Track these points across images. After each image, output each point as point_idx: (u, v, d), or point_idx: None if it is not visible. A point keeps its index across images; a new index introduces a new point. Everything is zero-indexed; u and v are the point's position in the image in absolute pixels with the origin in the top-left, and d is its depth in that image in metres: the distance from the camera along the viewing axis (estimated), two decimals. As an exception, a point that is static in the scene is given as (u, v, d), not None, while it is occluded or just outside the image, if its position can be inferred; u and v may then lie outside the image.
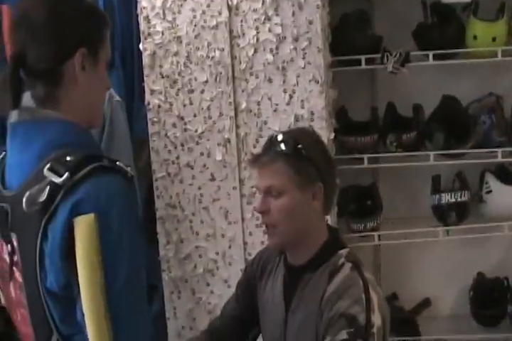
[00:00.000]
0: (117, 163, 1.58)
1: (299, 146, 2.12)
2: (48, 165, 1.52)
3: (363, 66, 4.13)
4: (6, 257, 1.64)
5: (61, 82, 1.62)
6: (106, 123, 3.96)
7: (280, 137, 2.16)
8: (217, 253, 3.87)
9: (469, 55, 4.18)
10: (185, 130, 3.85)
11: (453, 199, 4.21)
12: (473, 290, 4.50)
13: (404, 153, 4.22)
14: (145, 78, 3.89)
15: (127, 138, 4.07)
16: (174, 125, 3.86)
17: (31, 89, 1.65)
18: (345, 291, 2.04)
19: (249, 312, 2.38)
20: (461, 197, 4.21)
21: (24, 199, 1.49)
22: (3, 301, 1.83)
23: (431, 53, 4.06)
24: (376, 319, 1.99)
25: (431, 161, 4.15)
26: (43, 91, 1.63)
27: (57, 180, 1.48)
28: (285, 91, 3.73)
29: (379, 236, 4.27)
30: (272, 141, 2.18)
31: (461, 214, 4.25)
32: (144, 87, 3.92)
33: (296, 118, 3.72)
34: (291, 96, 3.73)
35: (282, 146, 2.13)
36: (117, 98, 4.01)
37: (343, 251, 2.18)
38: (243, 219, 3.81)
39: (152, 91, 3.87)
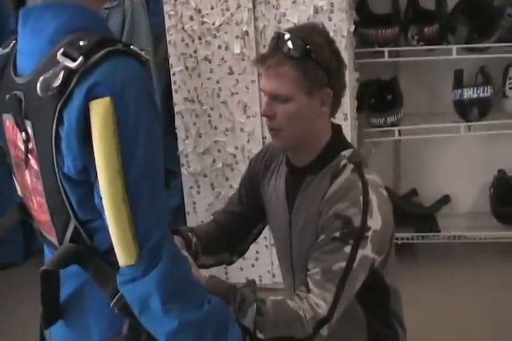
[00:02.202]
0: (131, 46, 1.54)
1: (308, 47, 1.97)
2: (62, 50, 1.47)
3: (385, -44, 4.02)
4: (21, 145, 1.61)
5: None
6: (126, 20, 3.94)
7: (287, 36, 2.00)
8: (236, 148, 3.86)
9: None
10: (203, 23, 3.78)
11: (475, 95, 4.14)
12: (493, 188, 4.49)
13: (426, 46, 4.14)
14: (161, -30, 3.80)
15: (148, 35, 4.04)
16: (191, 18, 3.79)
17: None
18: (345, 194, 1.98)
19: (252, 211, 2.35)
20: (483, 92, 4.14)
21: (38, 85, 1.45)
22: (18, 191, 1.83)
23: None
24: (374, 222, 1.95)
25: (453, 55, 4.08)
26: None
27: (72, 64, 1.44)
28: (304, -18, 3.64)
29: (399, 131, 4.25)
30: (279, 40, 2.01)
31: (483, 109, 4.19)
32: (159, -21, 3.83)
33: (316, 10, 3.64)
34: (310, -13, 3.64)
35: (290, 48, 1.98)
36: (138, -5, 3.96)
37: (346, 152, 2.10)
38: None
39: (168, -17, 3.79)
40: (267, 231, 2.39)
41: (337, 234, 1.92)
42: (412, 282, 3.71)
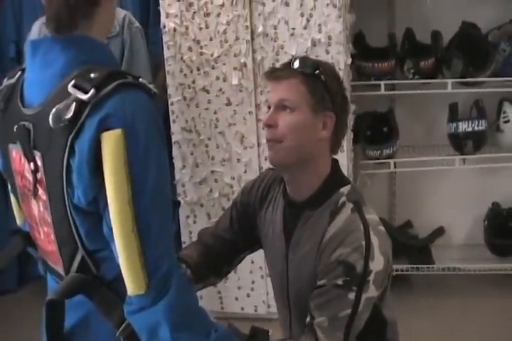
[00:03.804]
0: (140, 79, 1.57)
1: (318, 71, 2.03)
2: (73, 82, 1.49)
3: (382, -10, 4.07)
4: (29, 175, 1.62)
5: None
6: (125, 49, 3.96)
7: (299, 58, 2.06)
8: (232, 178, 3.88)
9: (491, -21, 4.10)
10: (201, 54, 3.82)
11: (470, 128, 4.18)
12: (487, 220, 4.51)
13: (421, 80, 4.18)
14: (160, 1, 3.84)
15: (147, 64, 4.06)
16: (190, 49, 3.83)
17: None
18: (346, 237, 1.97)
19: (243, 239, 2.34)
20: (478, 125, 4.18)
21: (51, 116, 1.46)
22: (18, 221, 1.84)
23: (451, -23, 3.99)
24: (375, 265, 1.95)
25: (448, 89, 4.12)
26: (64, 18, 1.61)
27: (83, 96, 1.46)
28: (302, 15, 3.68)
29: (395, 163, 4.27)
30: (291, 61, 2.07)
31: (477, 143, 4.22)
32: (159, 10, 3.87)
33: (313, 43, 3.69)
34: (308, 20, 3.68)
35: (301, 64, 2.04)
36: (137, 24, 3.99)
37: (345, 189, 2.09)
38: (259, 144, 3.81)
39: (168, 15, 3.83)
40: (262, 262, 2.38)
41: (339, 282, 1.92)
42: (407, 313, 3.71)
